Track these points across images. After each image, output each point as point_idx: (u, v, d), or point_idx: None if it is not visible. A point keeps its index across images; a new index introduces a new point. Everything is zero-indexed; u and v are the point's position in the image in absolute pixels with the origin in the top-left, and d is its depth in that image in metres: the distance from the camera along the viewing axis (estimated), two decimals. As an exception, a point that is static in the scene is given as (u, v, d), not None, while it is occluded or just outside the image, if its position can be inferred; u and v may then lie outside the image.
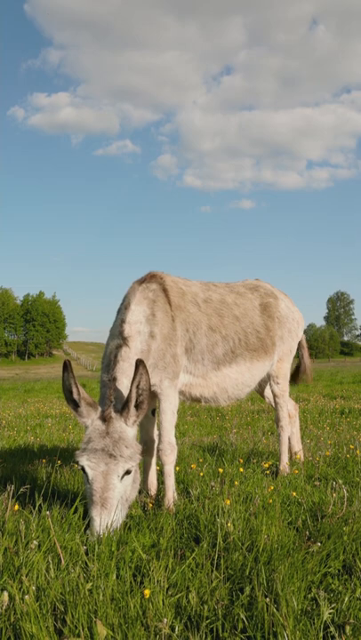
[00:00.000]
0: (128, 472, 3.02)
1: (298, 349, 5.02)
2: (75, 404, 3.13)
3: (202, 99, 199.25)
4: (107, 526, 2.80)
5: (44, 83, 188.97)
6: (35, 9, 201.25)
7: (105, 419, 3.09)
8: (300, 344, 5.02)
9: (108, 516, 2.84)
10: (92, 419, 3.11)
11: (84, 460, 2.98)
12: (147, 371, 3.07)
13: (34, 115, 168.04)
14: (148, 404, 3.34)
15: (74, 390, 3.10)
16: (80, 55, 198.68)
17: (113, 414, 3.11)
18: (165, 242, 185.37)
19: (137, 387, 3.06)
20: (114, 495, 2.91)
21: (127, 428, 3.11)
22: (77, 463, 3.01)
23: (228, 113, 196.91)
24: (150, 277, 3.92)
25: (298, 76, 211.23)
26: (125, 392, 3.24)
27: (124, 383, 3.29)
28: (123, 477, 2.99)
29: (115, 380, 3.29)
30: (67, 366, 3.10)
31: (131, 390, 3.07)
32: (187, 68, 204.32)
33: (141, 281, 3.89)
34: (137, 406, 3.11)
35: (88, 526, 2.88)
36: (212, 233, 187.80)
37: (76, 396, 3.11)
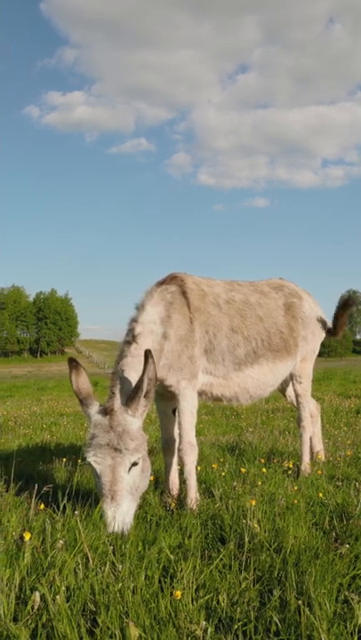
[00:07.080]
0: (135, 464, 3.06)
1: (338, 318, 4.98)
2: (77, 396, 3.23)
3: (216, 97, 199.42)
4: (117, 517, 2.89)
5: (59, 81, 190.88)
6: (51, 8, 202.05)
7: (106, 412, 3.13)
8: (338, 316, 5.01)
9: (118, 508, 2.93)
10: (92, 412, 3.17)
11: (90, 456, 3.04)
12: (154, 361, 3.10)
13: (48, 113, 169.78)
14: (155, 392, 3.38)
15: (73, 382, 3.21)
16: (95, 54, 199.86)
17: (115, 407, 3.15)
18: (179, 240, 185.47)
19: (147, 377, 3.08)
20: (122, 487, 2.98)
21: (132, 420, 3.13)
22: (84, 459, 3.08)
23: (242, 111, 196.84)
24: (170, 279, 3.92)
25: (313, 75, 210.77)
26: (132, 385, 3.29)
27: (131, 377, 3.32)
28: (130, 469, 3.05)
29: (122, 373, 3.34)
30: (70, 364, 3.23)
31: (141, 380, 3.08)
32: (201, 67, 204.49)
33: (161, 282, 3.88)
34: (145, 396, 3.15)
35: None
36: (225, 231, 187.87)
37: (75, 387, 3.21)
